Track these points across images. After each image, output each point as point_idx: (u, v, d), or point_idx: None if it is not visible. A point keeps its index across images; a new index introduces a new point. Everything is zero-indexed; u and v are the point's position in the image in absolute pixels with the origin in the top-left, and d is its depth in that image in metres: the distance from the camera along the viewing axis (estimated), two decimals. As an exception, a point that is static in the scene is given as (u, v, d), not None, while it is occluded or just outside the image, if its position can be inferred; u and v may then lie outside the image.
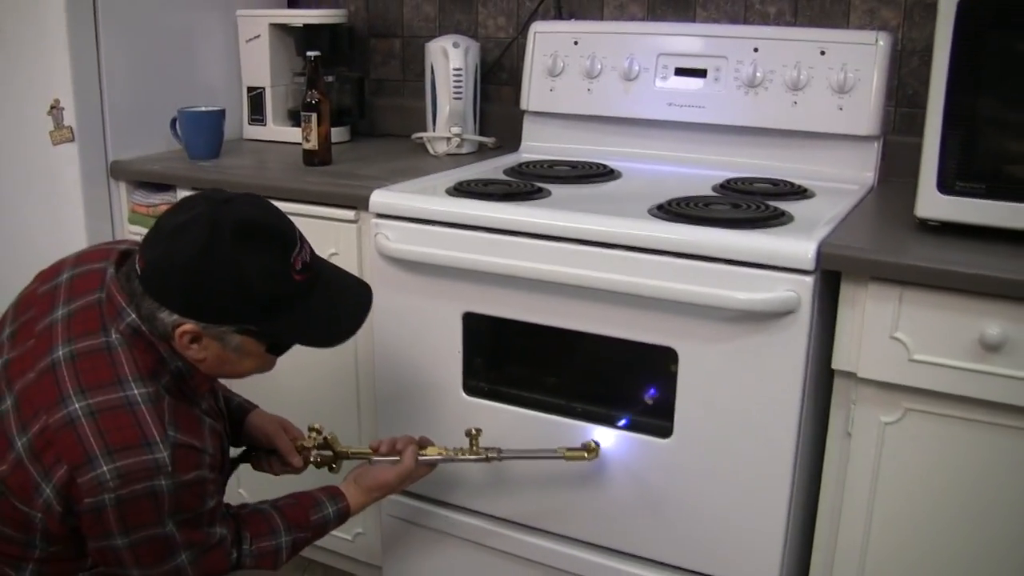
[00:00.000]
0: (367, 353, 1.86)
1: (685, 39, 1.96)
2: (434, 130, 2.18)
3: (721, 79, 1.91)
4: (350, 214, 1.82)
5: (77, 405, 1.19)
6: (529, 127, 2.15)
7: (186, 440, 1.23)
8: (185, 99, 2.20)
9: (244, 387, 1.60)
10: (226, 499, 1.40)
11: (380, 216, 1.73)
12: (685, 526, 1.59)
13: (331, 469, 1.60)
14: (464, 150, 2.17)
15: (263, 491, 1.53)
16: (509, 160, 2.05)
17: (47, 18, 1.98)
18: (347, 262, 1.76)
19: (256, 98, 2.36)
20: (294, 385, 1.91)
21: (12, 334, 1.32)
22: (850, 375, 1.47)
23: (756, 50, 1.88)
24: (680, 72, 1.96)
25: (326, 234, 1.83)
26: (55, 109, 2.04)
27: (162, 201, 2.06)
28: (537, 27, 2.10)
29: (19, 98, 2.07)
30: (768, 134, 1.89)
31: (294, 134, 2.19)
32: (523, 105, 2.13)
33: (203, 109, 2.15)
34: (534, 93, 2.10)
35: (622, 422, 1.62)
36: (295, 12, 2.37)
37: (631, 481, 1.62)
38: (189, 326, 1.22)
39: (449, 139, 2.15)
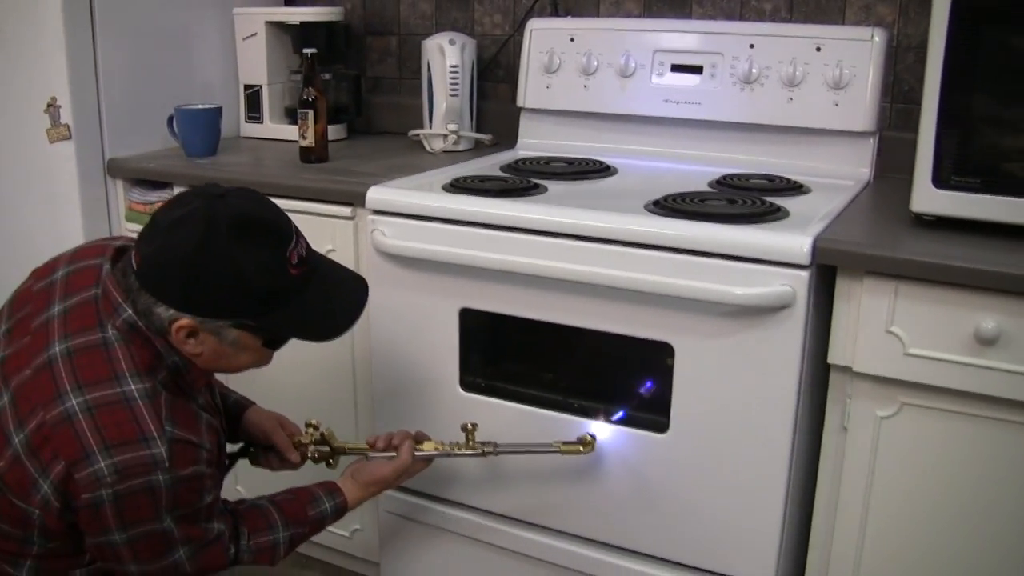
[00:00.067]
0: (364, 349, 1.86)
1: (681, 36, 1.96)
2: (431, 127, 2.18)
3: (717, 75, 1.91)
4: (347, 211, 1.83)
5: (74, 401, 1.19)
6: (525, 124, 2.15)
7: (183, 435, 1.23)
8: (182, 97, 2.20)
9: (242, 383, 1.61)
10: (223, 496, 1.40)
11: (377, 212, 1.73)
12: (682, 521, 1.60)
13: (328, 465, 1.60)
14: (461, 147, 2.18)
15: (260, 488, 1.53)
16: (506, 157, 2.05)
17: (44, 15, 1.98)
18: (344, 258, 1.77)
19: (253, 96, 2.36)
20: (291, 381, 1.91)
21: (8, 331, 1.32)
22: (846, 369, 1.47)
23: (752, 46, 1.88)
24: (676, 69, 1.96)
25: (323, 231, 1.83)
26: (52, 107, 2.04)
27: (159, 199, 2.06)
28: (533, 24, 2.10)
29: (16, 95, 2.08)
30: (764, 130, 1.90)
31: (291, 132, 2.19)
32: (519, 102, 2.13)
33: (200, 107, 2.15)
34: (530, 90, 2.10)
35: (619, 417, 1.62)
36: (292, 10, 2.38)
37: (628, 476, 1.62)
38: (186, 321, 1.22)
39: (446, 136, 2.15)
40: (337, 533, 2.02)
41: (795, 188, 1.75)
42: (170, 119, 2.14)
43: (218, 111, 2.15)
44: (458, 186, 1.74)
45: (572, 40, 2.05)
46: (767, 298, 1.42)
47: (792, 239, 1.42)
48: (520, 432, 1.66)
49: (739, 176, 1.82)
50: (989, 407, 1.38)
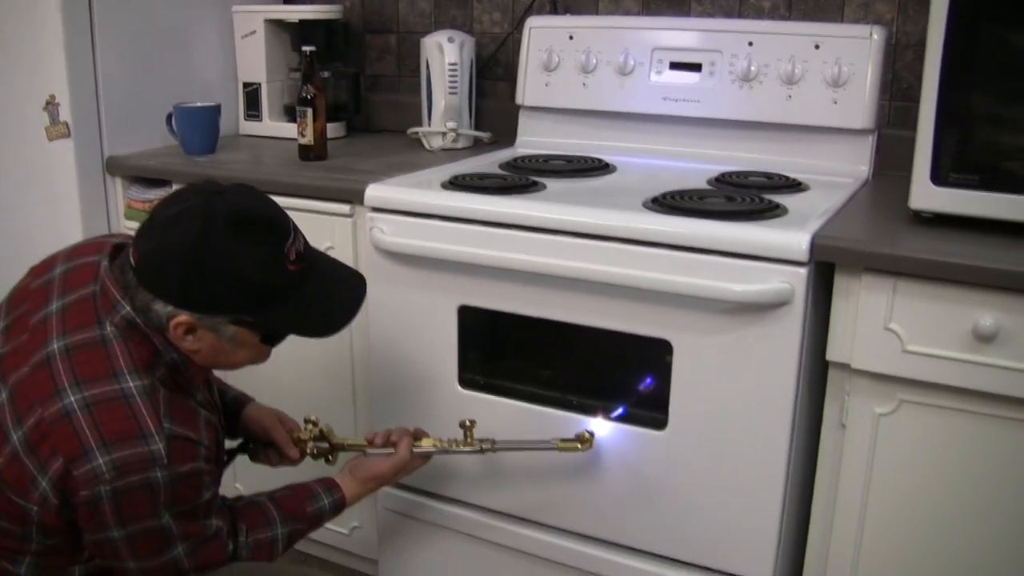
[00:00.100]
0: (363, 346, 1.86)
1: (680, 33, 1.96)
2: (430, 125, 2.18)
3: (716, 73, 1.91)
4: (345, 208, 1.83)
5: (73, 398, 1.19)
6: (524, 122, 2.15)
7: (181, 432, 1.23)
8: (181, 95, 2.20)
9: (240, 380, 1.61)
10: (222, 493, 1.40)
11: (375, 210, 1.73)
12: (680, 517, 1.60)
13: (327, 461, 1.60)
14: (460, 145, 2.18)
15: (259, 486, 1.53)
16: (504, 155, 2.05)
17: (43, 13, 1.98)
18: (343, 256, 1.77)
19: (252, 94, 2.36)
20: (290, 379, 1.91)
21: (5, 328, 1.31)
22: (844, 366, 1.47)
23: (751, 44, 1.88)
24: (675, 66, 1.96)
25: (322, 228, 1.83)
26: (51, 105, 2.04)
27: (158, 197, 2.06)
28: (532, 22, 2.11)
29: (14, 93, 2.08)
30: (763, 128, 1.90)
31: (290, 130, 2.19)
32: (518, 100, 2.13)
33: (199, 105, 2.15)
34: (529, 88, 2.10)
35: (617, 414, 1.62)
36: (291, 8, 2.37)
37: (626, 473, 1.62)
38: (184, 317, 1.22)
39: (444, 134, 2.15)
40: (336, 530, 2.02)
41: (794, 186, 1.75)
42: (169, 117, 2.14)
43: (217, 109, 2.15)
44: (457, 183, 1.74)
45: (571, 38, 2.05)
46: (765, 295, 1.42)
47: (790, 236, 1.42)
48: (518, 429, 1.66)
49: (738, 174, 1.82)
50: (987, 404, 1.38)
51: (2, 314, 1.34)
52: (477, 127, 2.23)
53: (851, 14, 1.94)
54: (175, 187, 2.03)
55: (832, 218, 1.53)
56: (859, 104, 1.80)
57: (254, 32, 2.31)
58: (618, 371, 1.68)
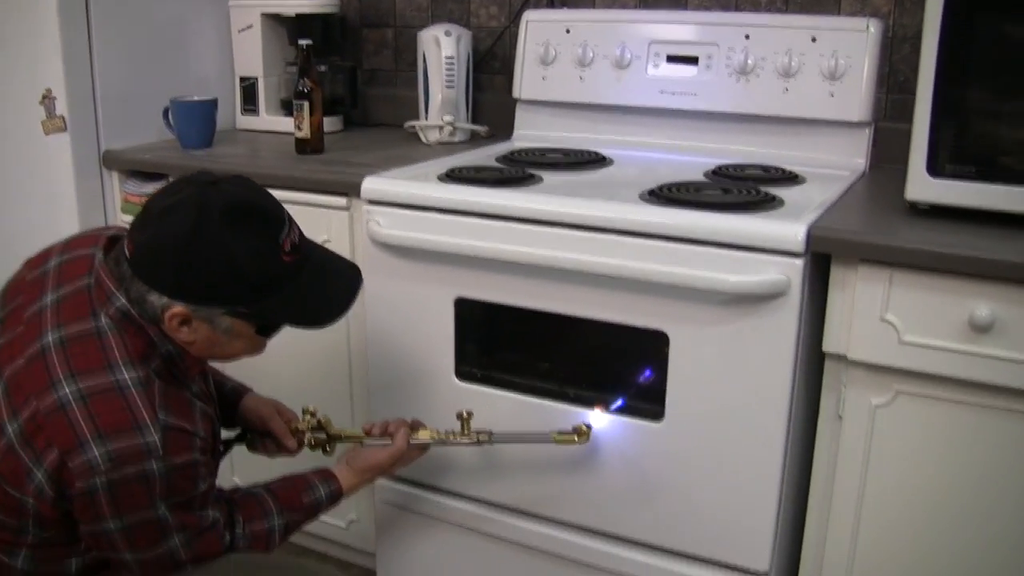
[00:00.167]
0: (360, 339, 1.86)
1: (677, 27, 1.96)
2: (426, 119, 2.18)
3: (713, 66, 1.91)
4: (342, 201, 1.83)
5: (68, 390, 1.19)
6: (521, 115, 2.15)
7: (177, 423, 1.23)
8: (178, 89, 2.19)
9: (238, 372, 1.61)
10: (219, 484, 1.40)
11: (372, 203, 1.73)
12: (677, 509, 1.60)
13: (325, 451, 1.60)
14: (456, 138, 2.18)
15: (256, 477, 1.53)
16: (501, 148, 2.05)
17: (39, 7, 1.98)
18: (339, 249, 1.75)
19: (249, 88, 2.36)
20: (287, 371, 1.91)
21: (1, 321, 1.32)
22: (841, 358, 1.47)
23: (747, 37, 1.88)
24: (672, 60, 1.96)
25: (318, 221, 1.83)
26: (47, 99, 2.03)
27: (154, 191, 2.05)
28: (529, 15, 2.10)
29: (11, 87, 2.07)
30: (760, 121, 1.90)
31: (287, 123, 2.19)
32: (515, 93, 2.13)
33: (196, 99, 2.15)
34: (526, 81, 2.10)
35: (614, 406, 1.62)
36: (287, 1, 2.36)
37: (623, 465, 1.62)
38: (179, 308, 1.22)
39: (441, 128, 2.15)
40: (333, 523, 2.02)
41: (790, 178, 1.75)
42: (166, 111, 2.14)
43: (214, 103, 2.15)
44: (453, 176, 1.74)
45: (568, 31, 2.05)
46: (762, 286, 1.42)
47: (787, 227, 1.42)
48: (515, 421, 1.66)
49: (734, 166, 1.82)
50: (984, 394, 1.38)
51: (-3, 307, 1.35)
52: (474, 121, 2.23)
53: (848, 7, 1.94)
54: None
55: (828, 210, 1.53)
56: (856, 97, 1.80)
57: (251, 26, 2.31)
58: (615, 363, 1.68)
